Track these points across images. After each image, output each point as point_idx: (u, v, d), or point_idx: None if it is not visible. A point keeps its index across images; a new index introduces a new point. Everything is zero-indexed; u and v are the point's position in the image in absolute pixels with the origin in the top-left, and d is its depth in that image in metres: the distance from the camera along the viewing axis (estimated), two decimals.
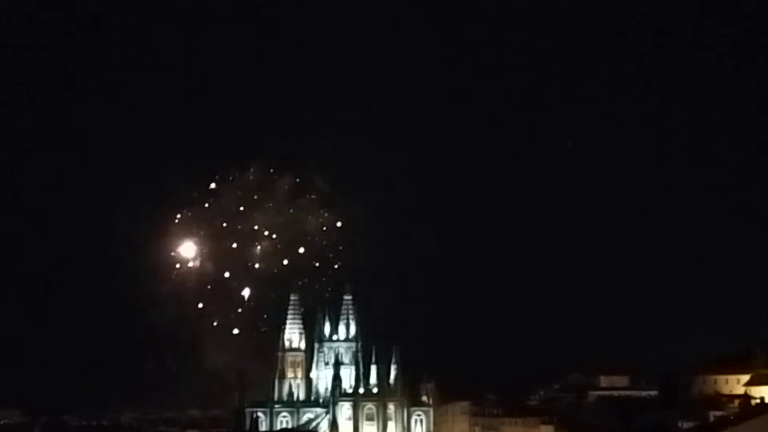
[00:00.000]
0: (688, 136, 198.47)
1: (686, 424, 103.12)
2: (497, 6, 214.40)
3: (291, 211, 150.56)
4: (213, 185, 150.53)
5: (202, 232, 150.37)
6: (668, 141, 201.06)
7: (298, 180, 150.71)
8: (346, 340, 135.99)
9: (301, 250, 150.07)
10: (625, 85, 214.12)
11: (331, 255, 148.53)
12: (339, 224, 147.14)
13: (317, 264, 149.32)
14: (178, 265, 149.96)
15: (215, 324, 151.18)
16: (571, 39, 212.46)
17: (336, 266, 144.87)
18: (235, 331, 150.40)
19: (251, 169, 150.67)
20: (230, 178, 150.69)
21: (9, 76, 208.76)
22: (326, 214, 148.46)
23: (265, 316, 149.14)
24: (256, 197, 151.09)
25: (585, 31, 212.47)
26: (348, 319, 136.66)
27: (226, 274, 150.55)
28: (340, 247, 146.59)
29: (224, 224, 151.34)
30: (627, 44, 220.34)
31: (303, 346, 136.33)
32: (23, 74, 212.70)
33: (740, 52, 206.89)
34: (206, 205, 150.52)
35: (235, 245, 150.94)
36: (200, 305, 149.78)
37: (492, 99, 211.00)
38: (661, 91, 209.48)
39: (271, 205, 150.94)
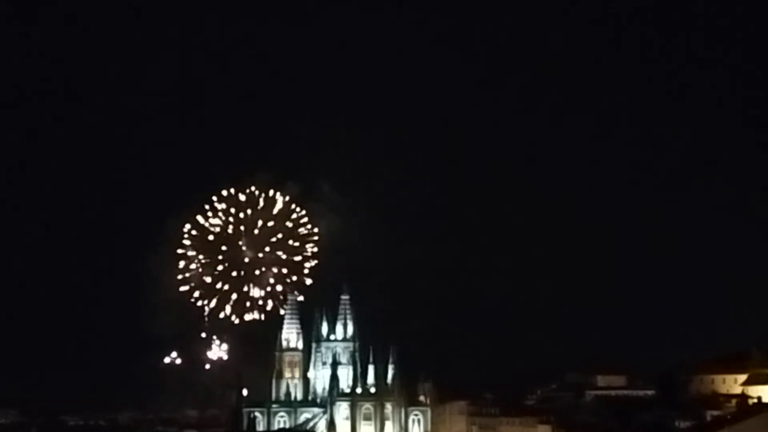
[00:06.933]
0: (688, 137, 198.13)
1: (683, 424, 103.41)
2: (498, 7, 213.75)
3: (293, 215, 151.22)
4: (215, 189, 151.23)
5: (202, 234, 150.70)
6: (667, 141, 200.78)
7: (300, 186, 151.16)
8: (344, 339, 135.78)
9: (300, 250, 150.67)
10: (624, 86, 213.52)
11: (329, 255, 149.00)
12: (338, 225, 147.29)
13: (316, 264, 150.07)
14: (178, 267, 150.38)
15: (214, 324, 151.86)
16: (570, 39, 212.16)
17: (334, 266, 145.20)
18: (233, 331, 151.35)
19: (254, 175, 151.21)
20: (233, 183, 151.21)
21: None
22: (326, 217, 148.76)
23: (262, 315, 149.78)
24: (258, 202, 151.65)
25: (584, 31, 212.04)
26: (345, 318, 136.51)
27: (225, 275, 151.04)
28: (339, 248, 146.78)
29: (224, 226, 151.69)
30: (627, 44, 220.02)
31: (300, 345, 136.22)
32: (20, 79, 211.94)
33: (741, 53, 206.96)
34: (207, 207, 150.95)
35: (235, 247, 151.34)
36: (199, 305, 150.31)
37: (491, 100, 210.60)
38: (661, 91, 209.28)
39: (273, 210, 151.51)
